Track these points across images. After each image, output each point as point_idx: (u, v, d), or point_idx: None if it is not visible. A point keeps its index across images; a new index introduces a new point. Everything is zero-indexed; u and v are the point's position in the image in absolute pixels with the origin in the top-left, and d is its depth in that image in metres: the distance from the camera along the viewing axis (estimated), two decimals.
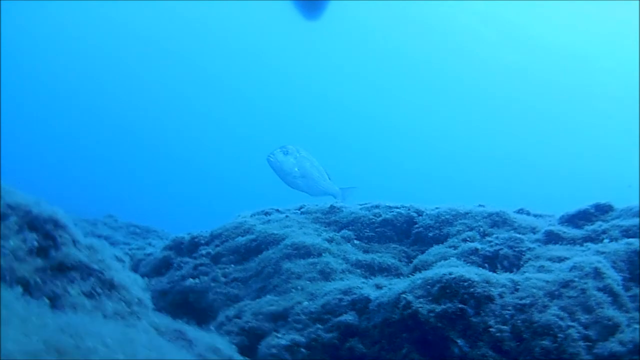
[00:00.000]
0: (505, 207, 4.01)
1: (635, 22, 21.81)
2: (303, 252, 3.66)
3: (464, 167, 30.12)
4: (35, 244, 2.13)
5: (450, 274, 2.64)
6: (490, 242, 3.49)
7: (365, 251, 3.90)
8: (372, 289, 3.05)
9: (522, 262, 3.28)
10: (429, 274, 2.74)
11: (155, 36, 31.91)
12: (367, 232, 4.12)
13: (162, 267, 4.65)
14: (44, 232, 2.21)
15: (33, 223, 2.19)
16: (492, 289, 2.62)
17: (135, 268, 4.94)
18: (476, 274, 2.66)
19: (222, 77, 34.72)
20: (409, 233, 4.05)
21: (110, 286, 2.19)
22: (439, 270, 2.71)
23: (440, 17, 27.95)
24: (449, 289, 2.60)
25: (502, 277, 2.77)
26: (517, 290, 2.70)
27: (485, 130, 30.72)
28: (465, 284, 2.60)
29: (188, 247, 4.59)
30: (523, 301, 2.62)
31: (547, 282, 2.75)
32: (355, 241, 4.01)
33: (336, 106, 34.09)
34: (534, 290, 2.67)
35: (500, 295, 2.62)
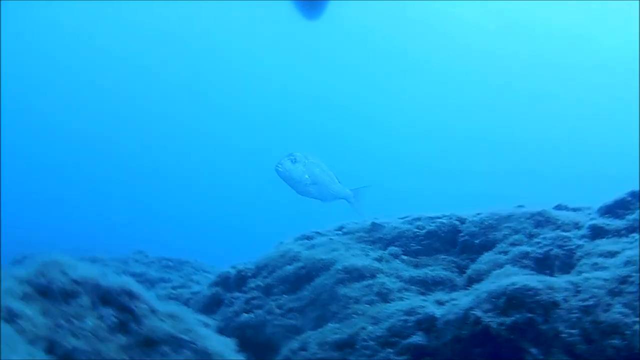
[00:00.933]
0: (530, 203, 4.12)
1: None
2: (356, 275, 3.77)
3: (469, 161, 30.22)
4: (114, 319, 2.06)
5: (513, 284, 2.75)
6: (538, 243, 3.60)
7: (415, 266, 4.00)
8: (434, 306, 3.16)
9: (574, 261, 3.38)
10: (491, 286, 2.84)
11: (158, 45, 32.09)
12: (413, 246, 4.22)
13: (212, 304, 4.77)
14: (119, 305, 2.13)
15: (105, 297, 2.13)
16: (557, 294, 2.73)
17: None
18: (539, 281, 2.77)
19: (221, 83, 34.80)
20: (455, 242, 4.16)
21: (205, 356, 2.14)
22: (502, 282, 2.81)
23: (439, 14, 28.01)
24: (515, 299, 2.71)
25: (563, 281, 2.87)
26: (578, 292, 2.80)
27: (487, 124, 30.74)
28: (531, 292, 2.71)
29: (236, 282, 4.71)
30: (587, 302, 2.73)
31: (606, 280, 2.85)
32: (404, 257, 4.12)
33: (337, 106, 34.15)
34: (595, 290, 2.78)
35: (565, 300, 2.73)
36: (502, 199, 4.46)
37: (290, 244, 4.77)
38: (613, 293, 2.77)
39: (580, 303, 2.74)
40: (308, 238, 4.87)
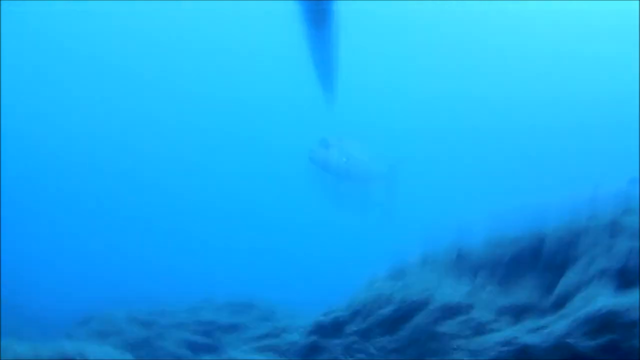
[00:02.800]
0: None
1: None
2: (451, 312, 4.12)
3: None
4: None
5: (601, 308, 3.08)
6: (616, 256, 3.89)
7: (504, 293, 4.30)
8: (528, 336, 3.50)
9: None
10: (581, 312, 3.18)
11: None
12: (499, 271, 4.51)
13: (310, 353, 5.15)
14: None
15: None
16: None
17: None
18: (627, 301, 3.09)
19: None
20: (537, 263, 4.45)
21: None
22: (591, 307, 3.14)
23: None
24: (605, 323, 3.04)
25: None
26: None
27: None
28: (618, 314, 3.04)
29: (332, 329, 5.07)
30: None
31: None
32: (492, 285, 4.41)
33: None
34: None
35: None
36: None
37: (382, 283, 5.09)
38: None
39: None
40: (397, 274, 5.20)
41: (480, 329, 3.90)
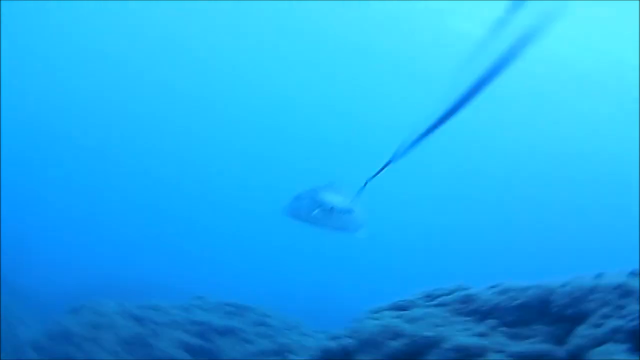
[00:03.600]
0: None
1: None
2: (465, 353, 4.30)
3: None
4: None
5: None
6: (628, 316, 4.12)
7: (515, 338, 4.50)
8: None
9: None
10: None
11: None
12: (509, 317, 4.72)
13: None
14: None
15: None
16: None
17: None
18: None
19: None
20: (547, 313, 4.67)
21: None
22: None
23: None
24: None
25: None
26: None
27: None
28: None
29: (341, 355, 5.23)
30: None
31: None
32: (503, 328, 4.61)
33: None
34: None
35: None
36: None
37: (388, 316, 5.25)
38: None
39: None
40: (403, 309, 5.38)
41: None
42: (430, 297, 5.47)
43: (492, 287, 5.15)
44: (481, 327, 4.67)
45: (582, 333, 4.21)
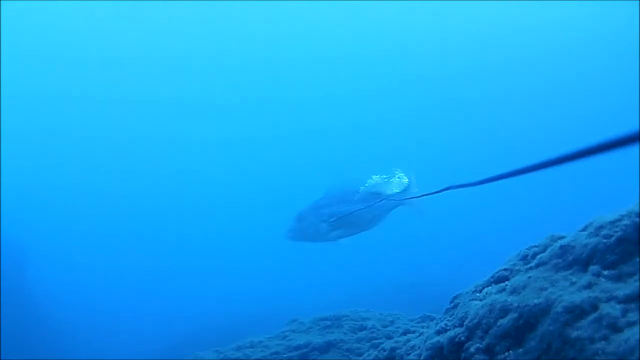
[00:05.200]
0: None
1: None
2: (579, 312, 4.05)
3: None
4: None
5: None
6: None
7: (620, 278, 4.23)
8: None
9: None
10: None
11: None
12: (609, 257, 4.44)
13: None
14: None
15: None
16: None
17: None
18: None
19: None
20: None
21: None
22: None
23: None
24: None
25: None
26: None
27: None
28: None
29: (450, 348, 5.07)
30: None
31: None
32: (605, 272, 4.35)
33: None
34: None
35: None
36: None
37: (491, 292, 5.06)
38: None
39: None
40: (502, 280, 5.17)
41: (614, 326, 3.81)
42: (526, 258, 5.26)
43: (583, 229, 4.90)
44: (586, 278, 4.41)
45: None
